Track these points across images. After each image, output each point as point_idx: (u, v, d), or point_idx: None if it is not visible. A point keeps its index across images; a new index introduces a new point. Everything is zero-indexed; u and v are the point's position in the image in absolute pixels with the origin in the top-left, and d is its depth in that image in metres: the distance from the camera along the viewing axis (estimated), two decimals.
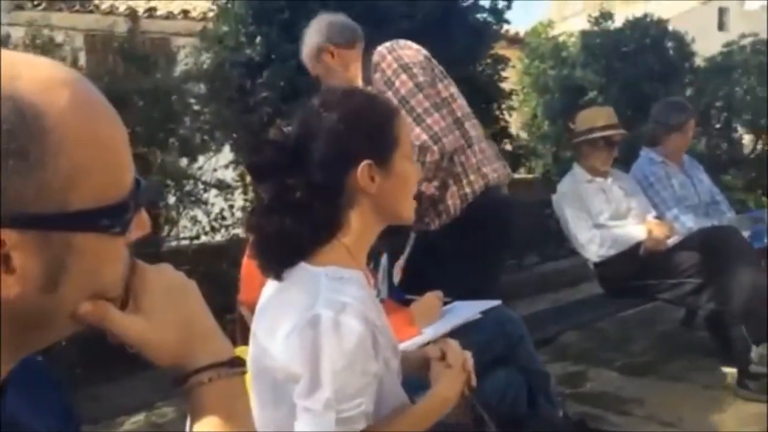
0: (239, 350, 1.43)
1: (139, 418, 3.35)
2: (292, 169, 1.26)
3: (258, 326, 1.30)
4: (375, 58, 2.50)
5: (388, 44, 2.55)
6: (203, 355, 0.73)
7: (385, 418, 1.27)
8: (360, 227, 1.31)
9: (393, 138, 1.31)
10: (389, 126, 1.31)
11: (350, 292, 1.21)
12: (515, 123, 7.14)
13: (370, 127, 1.30)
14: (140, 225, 0.68)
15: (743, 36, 7.46)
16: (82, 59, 3.77)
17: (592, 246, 3.38)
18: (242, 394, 0.76)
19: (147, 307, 0.71)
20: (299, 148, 1.27)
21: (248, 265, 2.08)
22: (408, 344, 1.87)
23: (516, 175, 6.03)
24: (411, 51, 2.54)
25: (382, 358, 1.25)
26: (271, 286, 1.33)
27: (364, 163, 1.26)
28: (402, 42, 2.59)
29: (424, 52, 2.59)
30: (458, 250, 2.40)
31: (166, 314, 0.71)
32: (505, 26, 5.46)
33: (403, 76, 2.44)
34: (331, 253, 1.29)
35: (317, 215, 1.26)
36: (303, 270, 1.27)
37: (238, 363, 0.75)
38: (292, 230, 1.25)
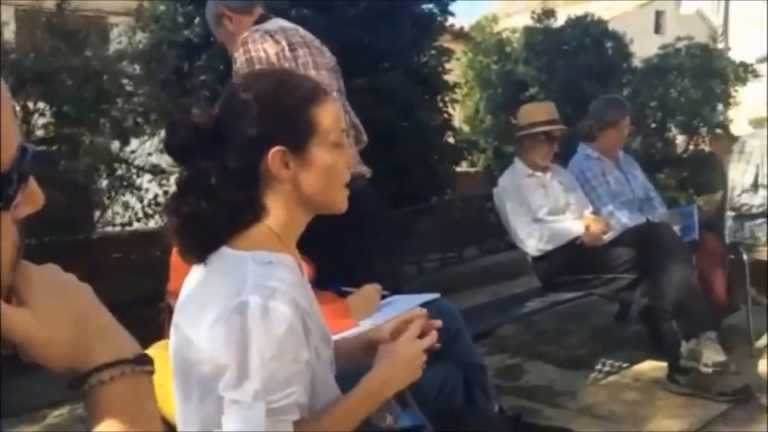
0: (165, 343, 1.35)
1: (63, 411, 3.22)
2: (207, 153, 1.20)
3: (180, 316, 1.21)
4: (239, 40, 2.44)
5: (253, 33, 2.45)
6: (102, 353, 0.66)
7: (318, 411, 1.21)
8: (284, 213, 1.24)
9: (309, 125, 1.22)
10: (305, 112, 1.22)
11: (279, 277, 1.15)
12: (458, 116, 7.17)
13: (283, 112, 1.22)
14: (30, 199, 0.61)
15: (679, 39, 7.68)
16: (9, 33, 3.56)
17: (531, 240, 3.40)
18: (148, 394, 0.68)
19: (32, 302, 0.64)
20: (218, 131, 1.21)
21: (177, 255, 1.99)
22: (343, 336, 1.82)
23: (458, 169, 6.05)
24: (268, 45, 2.41)
25: (314, 347, 1.19)
26: (195, 273, 1.25)
27: (275, 149, 1.19)
28: (269, 31, 2.47)
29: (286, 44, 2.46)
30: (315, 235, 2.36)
31: (53, 310, 0.64)
32: (451, 20, 5.46)
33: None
34: (258, 238, 1.22)
35: (234, 199, 1.20)
36: (228, 255, 1.20)
37: (145, 360, 0.68)
38: (208, 213, 1.18)
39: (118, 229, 4.18)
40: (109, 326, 0.68)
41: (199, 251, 1.21)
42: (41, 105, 3.59)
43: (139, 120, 3.89)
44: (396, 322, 1.41)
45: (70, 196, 3.69)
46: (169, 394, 1.29)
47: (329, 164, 1.24)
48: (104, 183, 3.89)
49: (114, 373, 0.64)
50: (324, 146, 1.24)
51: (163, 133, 4.22)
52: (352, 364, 1.44)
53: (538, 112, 3.60)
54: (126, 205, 4.06)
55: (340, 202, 1.30)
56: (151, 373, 0.69)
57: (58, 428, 3.05)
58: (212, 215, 1.18)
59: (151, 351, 1.43)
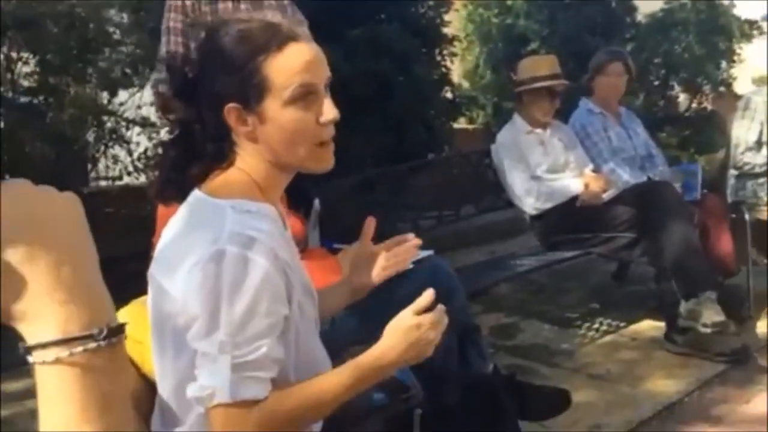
0: (144, 299, 1.29)
1: None
2: (187, 101, 1.19)
3: (156, 266, 1.14)
4: None
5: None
6: (50, 324, 0.55)
7: (313, 379, 1.14)
8: (261, 164, 1.18)
9: (260, 80, 1.12)
10: (254, 66, 1.12)
11: (259, 227, 1.08)
12: (457, 71, 7.02)
13: (229, 67, 1.14)
14: None
15: None
16: None
17: (529, 198, 3.33)
18: (107, 373, 0.57)
19: None
20: (195, 80, 1.19)
21: (163, 210, 1.92)
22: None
23: (456, 125, 5.94)
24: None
25: (296, 302, 1.12)
26: (173, 222, 1.18)
27: (229, 106, 1.14)
28: None
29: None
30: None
31: (6, 240, 0.53)
32: None
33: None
34: (238, 186, 1.16)
35: (208, 148, 1.19)
36: (207, 203, 1.14)
37: (106, 333, 0.56)
38: (185, 152, 1.19)
39: (108, 183, 4.09)
40: (69, 287, 0.56)
41: (178, 190, 1.19)
42: (25, 54, 3.47)
43: (128, 71, 3.77)
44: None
45: (59, 149, 3.61)
46: (148, 350, 1.23)
47: (287, 121, 1.14)
48: (92, 136, 3.79)
49: (60, 354, 0.55)
50: (279, 102, 1.13)
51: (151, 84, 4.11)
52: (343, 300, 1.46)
53: (539, 66, 3.49)
54: (115, 159, 3.97)
55: (310, 161, 1.19)
56: (118, 343, 0.58)
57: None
58: (187, 154, 1.19)
59: (131, 306, 1.38)
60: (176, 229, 1.15)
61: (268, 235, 1.09)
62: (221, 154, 1.18)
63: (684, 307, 2.92)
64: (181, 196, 1.18)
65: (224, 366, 1.02)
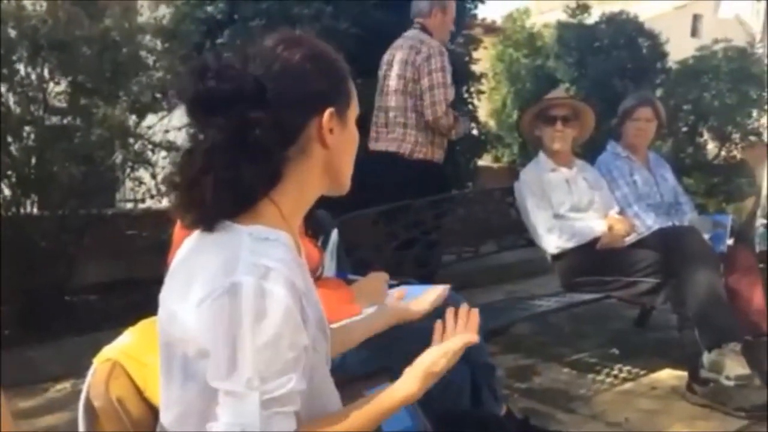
0: (154, 320, 1.28)
1: (65, 385, 3.19)
2: (254, 103, 1.07)
3: (168, 288, 1.12)
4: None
5: None
6: None
7: (338, 411, 1.14)
8: (300, 186, 1.15)
9: (349, 90, 1.20)
10: (347, 77, 1.20)
11: (274, 255, 1.05)
12: (485, 110, 7.04)
13: (335, 72, 1.17)
14: None
15: (716, 41, 7.46)
16: (28, 0, 3.51)
17: (551, 237, 3.29)
18: None
19: None
20: (258, 84, 1.09)
21: (180, 229, 1.92)
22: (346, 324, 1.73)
23: (481, 163, 5.93)
24: None
25: (311, 334, 1.09)
26: (187, 244, 1.15)
27: (331, 109, 1.14)
28: None
29: None
30: None
31: None
32: (482, 14, 5.32)
33: None
34: (260, 213, 1.12)
35: (268, 161, 1.09)
36: (223, 226, 1.10)
37: None
38: (247, 174, 1.06)
39: (130, 205, 4.13)
40: None
41: (212, 220, 1.10)
42: (57, 74, 3.54)
43: (158, 95, 3.83)
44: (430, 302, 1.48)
45: (86, 169, 3.66)
46: (151, 373, 1.21)
47: (356, 135, 1.23)
48: (119, 158, 3.83)
49: None
50: (353, 116, 1.21)
51: (181, 109, 4.16)
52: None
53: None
54: (140, 181, 4.01)
55: (349, 179, 1.24)
56: None
57: (59, 403, 3.01)
58: (249, 179, 1.07)
59: (139, 326, 1.37)
60: (191, 251, 1.13)
61: (284, 264, 1.05)
62: (280, 167, 1.11)
63: (707, 358, 2.84)
64: (216, 222, 1.10)
65: (253, 403, 0.99)
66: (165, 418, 1.13)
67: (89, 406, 1.26)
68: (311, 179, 1.16)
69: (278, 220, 1.13)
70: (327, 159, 1.16)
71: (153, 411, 1.23)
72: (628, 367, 3.37)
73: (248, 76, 1.08)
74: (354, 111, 1.21)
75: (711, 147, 7.81)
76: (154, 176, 3.95)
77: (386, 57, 3.82)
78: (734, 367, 2.75)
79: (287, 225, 1.15)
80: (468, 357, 1.87)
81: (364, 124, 2.47)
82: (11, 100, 3.53)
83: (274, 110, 1.07)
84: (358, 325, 1.52)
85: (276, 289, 1.01)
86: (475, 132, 5.39)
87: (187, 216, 1.12)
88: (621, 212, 3.44)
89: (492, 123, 7.66)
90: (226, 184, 1.06)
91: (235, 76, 1.07)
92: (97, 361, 1.31)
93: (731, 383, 2.75)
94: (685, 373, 3.04)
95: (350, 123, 1.20)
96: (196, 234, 1.15)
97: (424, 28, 3.77)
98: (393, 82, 3.71)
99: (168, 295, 1.11)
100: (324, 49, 1.18)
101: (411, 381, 1.17)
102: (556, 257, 3.33)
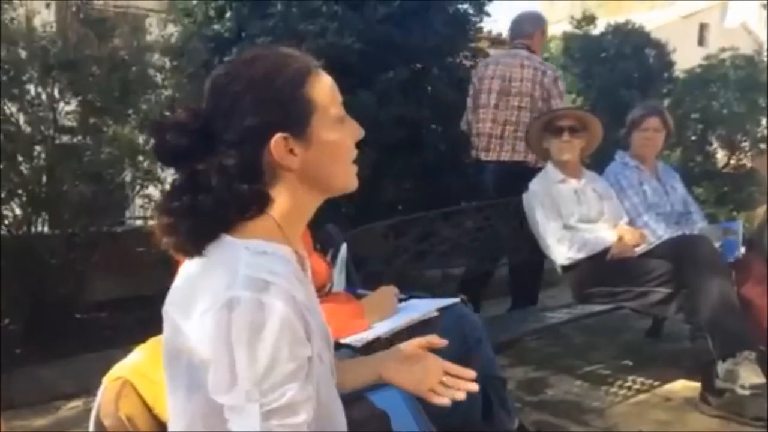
0: (160, 338, 1.28)
1: (77, 404, 3.19)
2: (201, 152, 1.10)
3: (171, 303, 1.13)
4: None
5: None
6: None
7: None
8: (289, 202, 1.16)
9: (305, 103, 1.14)
10: (298, 91, 1.14)
11: (273, 269, 1.06)
12: None
13: (275, 96, 1.13)
14: None
15: (723, 50, 7.44)
16: (38, 21, 3.56)
17: (561, 248, 3.27)
18: None
19: None
20: (209, 128, 1.11)
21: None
22: (355, 338, 1.73)
23: None
24: None
25: (316, 346, 1.09)
26: (189, 261, 1.16)
27: (277, 136, 1.11)
28: None
29: None
30: None
31: None
32: (489, 26, 5.35)
33: None
34: (257, 226, 1.13)
35: (239, 195, 1.11)
36: (223, 242, 1.11)
37: None
38: (210, 208, 1.09)
39: (140, 222, 4.15)
40: None
41: (192, 246, 1.12)
42: (67, 94, 3.57)
43: (167, 113, 3.85)
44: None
45: (96, 187, 3.69)
46: (161, 390, 1.21)
47: (334, 140, 1.17)
48: (129, 176, 3.86)
49: None
50: (325, 122, 1.16)
51: None
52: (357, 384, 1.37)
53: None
54: (149, 198, 4.03)
55: (350, 179, 1.22)
56: None
57: (71, 421, 3.01)
58: (215, 209, 1.09)
59: (148, 344, 1.37)
60: (193, 267, 1.13)
61: (283, 277, 1.06)
62: (260, 195, 1.13)
63: (721, 367, 2.80)
64: (205, 245, 1.12)
65: (254, 414, 1.00)
66: (173, 430, 1.13)
67: (100, 425, 1.26)
68: (298, 196, 1.16)
69: (276, 233, 1.14)
70: (305, 176, 1.15)
71: (163, 428, 1.23)
72: (641, 379, 3.34)
73: (188, 131, 1.10)
74: (326, 115, 1.16)
75: (720, 156, 7.78)
76: (163, 193, 3.97)
77: (487, 72, 4.08)
78: (749, 376, 2.71)
79: (285, 238, 1.15)
80: (479, 370, 1.87)
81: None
82: (22, 119, 3.57)
83: (222, 154, 1.10)
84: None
85: (274, 303, 1.01)
86: None
87: (170, 248, 1.13)
88: (630, 222, 3.42)
89: None
90: (187, 215, 1.09)
91: (177, 133, 1.10)
92: (107, 380, 1.31)
93: (747, 392, 2.71)
94: (699, 384, 3.00)
95: (319, 133, 1.15)
96: None
97: (528, 48, 4.09)
98: (515, 99, 3.98)
99: (172, 309, 1.12)
100: (263, 72, 1.14)
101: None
102: (567, 268, 3.32)
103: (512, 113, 3.96)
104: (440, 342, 1.39)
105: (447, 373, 1.33)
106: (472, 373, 1.29)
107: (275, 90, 1.13)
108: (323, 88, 1.17)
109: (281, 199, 1.15)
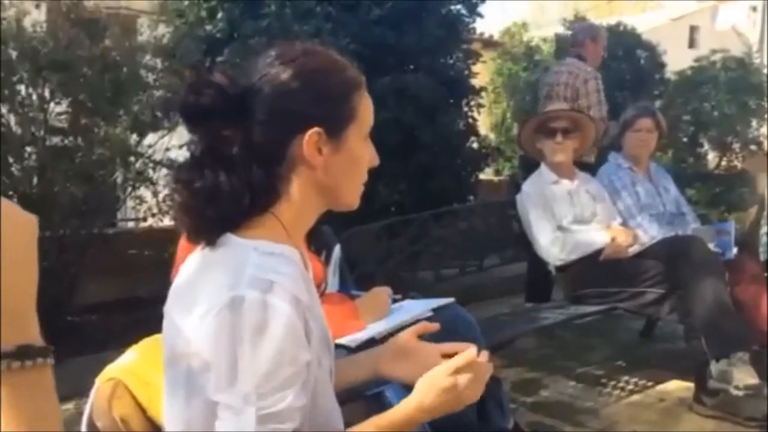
0: (156, 338, 1.26)
1: (68, 406, 3.14)
2: (231, 120, 1.09)
3: (173, 302, 1.11)
4: None
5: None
6: None
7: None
8: (299, 203, 1.14)
9: (349, 109, 1.15)
10: (348, 96, 1.15)
11: (280, 270, 1.05)
12: (485, 123, 7.06)
13: (327, 91, 1.13)
14: None
15: (714, 51, 7.49)
16: (28, 21, 3.53)
17: (554, 249, 3.27)
18: (34, 393, 0.58)
19: None
20: (244, 98, 1.10)
21: (185, 243, 1.90)
22: (349, 339, 1.72)
23: (482, 176, 5.93)
24: None
25: (315, 349, 1.08)
26: (192, 258, 1.15)
27: (314, 130, 1.10)
28: None
29: None
30: None
31: None
32: (480, 28, 5.36)
33: None
34: (264, 227, 1.12)
35: (252, 178, 1.08)
36: (229, 241, 1.09)
37: (32, 353, 0.57)
38: (227, 189, 1.07)
39: (132, 224, 4.12)
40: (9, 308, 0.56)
41: (209, 232, 1.10)
42: (58, 94, 3.54)
43: (158, 114, 3.82)
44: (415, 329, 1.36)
45: (87, 189, 3.66)
46: (155, 392, 1.20)
47: (359, 155, 1.18)
48: (120, 177, 3.83)
49: None
50: (358, 135, 1.17)
51: (182, 128, 4.17)
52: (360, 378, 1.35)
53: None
54: (141, 200, 4.01)
55: (356, 197, 1.22)
56: (42, 365, 0.58)
57: (63, 424, 2.97)
58: (230, 191, 1.07)
59: (142, 344, 1.36)
60: (196, 266, 1.12)
61: (289, 278, 1.04)
62: (271, 184, 1.11)
63: (715, 367, 2.81)
64: (217, 236, 1.11)
65: (250, 418, 0.98)
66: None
67: (92, 426, 1.24)
68: (307, 197, 1.15)
69: (282, 235, 1.12)
70: (319, 179, 1.14)
71: (157, 430, 1.21)
72: (635, 379, 3.34)
73: (226, 93, 1.08)
74: (361, 129, 1.17)
75: (711, 157, 7.82)
76: (155, 195, 3.94)
77: (549, 79, 4.71)
78: (743, 376, 2.72)
79: (292, 239, 1.14)
80: None
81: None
82: (12, 120, 3.53)
83: (249, 127, 1.09)
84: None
85: (279, 304, 1.00)
86: (475, 145, 5.39)
87: (183, 228, 1.13)
88: (624, 223, 3.42)
89: (492, 136, 7.68)
90: (206, 196, 1.07)
91: (214, 93, 1.08)
92: (99, 380, 1.29)
93: (741, 393, 2.72)
94: (692, 385, 3.00)
95: (351, 143, 1.15)
96: (200, 250, 1.14)
97: (579, 56, 4.58)
98: (558, 103, 4.32)
99: (172, 310, 1.10)
100: (321, 65, 1.15)
101: (418, 394, 1.15)
102: (560, 269, 3.32)
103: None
104: (433, 326, 1.38)
105: (446, 356, 1.31)
106: (470, 347, 1.26)
107: (329, 86, 1.14)
108: (367, 103, 1.19)
109: (290, 198, 1.13)
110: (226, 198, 1.07)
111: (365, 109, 1.18)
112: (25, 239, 0.61)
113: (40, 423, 0.56)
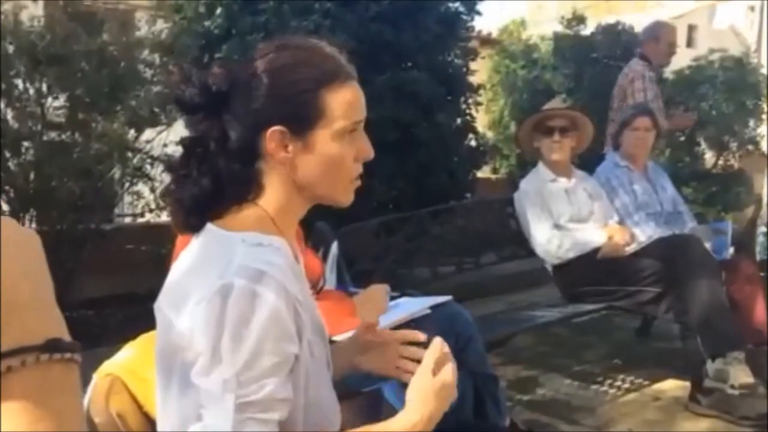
0: (151, 335, 1.26)
1: None
2: (210, 115, 1.12)
3: (165, 298, 1.11)
4: None
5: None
6: (5, 335, 0.55)
7: None
8: (281, 196, 1.15)
9: (316, 109, 1.12)
10: (313, 95, 1.12)
11: (270, 260, 1.05)
12: (483, 121, 7.06)
13: (289, 89, 1.12)
14: None
15: (712, 51, 7.49)
16: (26, 15, 3.52)
17: (551, 247, 3.27)
18: (62, 388, 0.58)
19: None
20: (227, 96, 1.12)
21: (183, 239, 1.90)
22: (347, 336, 1.71)
23: (480, 174, 5.93)
24: None
25: (306, 341, 1.08)
26: (184, 255, 1.15)
27: (273, 129, 1.10)
28: None
29: None
30: None
31: None
32: (479, 26, 5.35)
33: None
34: (251, 219, 1.13)
35: (228, 171, 1.12)
36: (218, 235, 1.11)
37: (61, 347, 0.57)
38: (204, 180, 1.12)
39: (129, 220, 4.11)
40: (28, 302, 0.57)
41: (187, 219, 1.14)
42: (56, 89, 3.54)
43: (156, 109, 3.82)
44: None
45: (84, 184, 3.65)
46: (151, 389, 1.20)
47: (331, 153, 1.14)
48: (117, 172, 3.83)
49: (13, 363, 0.54)
50: (329, 133, 1.13)
51: (180, 124, 4.16)
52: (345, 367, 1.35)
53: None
54: (139, 196, 4.00)
55: (342, 195, 1.19)
56: (70, 360, 0.58)
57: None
58: (207, 182, 1.11)
59: (138, 341, 1.35)
60: (187, 262, 1.13)
61: (278, 269, 1.05)
62: (246, 179, 1.14)
63: (711, 366, 2.82)
64: (200, 224, 1.14)
65: (228, 405, 0.98)
66: (162, 427, 1.12)
67: (89, 422, 1.24)
68: (289, 192, 1.15)
69: (271, 226, 1.13)
70: (295, 175, 1.14)
71: (154, 426, 1.21)
72: (631, 378, 3.35)
73: (209, 88, 1.12)
74: (333, 127, 1.13)
75: (708, 156, 7.84)
76: (152, 190, 3.94)
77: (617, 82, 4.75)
78: (739, 375, 2.73)
79: (280, 230, 1.15)
80: (470, 367, 1.87)
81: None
82: (9, 115, 3.53)
83: (225, 122, 1.12)
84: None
85: (266, 293, 1.00)
86: (473, 143, 5.39)
87: (172, 218, 1.17)
88: (621, 222, 3.42)
89: (490, 134, 7.67)
90: (189, 186, 1.12)
91: (198, 87, 1.12)
92: (96, 376, 1.29)
93: (736, 392, 2.73)
94: (688, 383, 3.01)
95: (320, 142, 1.13)
96: (192, 244, 1.15)
97: (642, 55, 4.64)
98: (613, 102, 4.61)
99: (164, 304, 1.11)
100: (288, 62, 1.13)
101: (415, 406, 1.14)
102: (557, 268, 3.32)
103: (612, 114, 4.57)
104: (420, 335, 1.38)
105: (407, 343, 1.35)
106: (418, 334, 1.32)
107: (290, 83, 1.12)
108: (340, 100, 1.14)
109: (273, 191, 1.15)
110: (202, 187, 1.11)
111: (338, 104, 1.13)
112: (34, 240, 0.62)
113: (66, 419, 0.56)
